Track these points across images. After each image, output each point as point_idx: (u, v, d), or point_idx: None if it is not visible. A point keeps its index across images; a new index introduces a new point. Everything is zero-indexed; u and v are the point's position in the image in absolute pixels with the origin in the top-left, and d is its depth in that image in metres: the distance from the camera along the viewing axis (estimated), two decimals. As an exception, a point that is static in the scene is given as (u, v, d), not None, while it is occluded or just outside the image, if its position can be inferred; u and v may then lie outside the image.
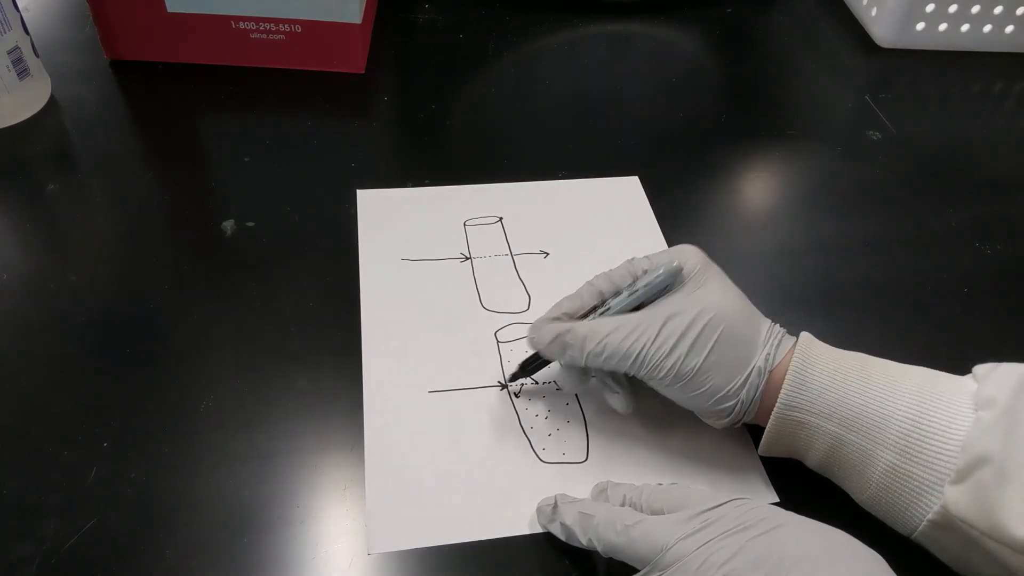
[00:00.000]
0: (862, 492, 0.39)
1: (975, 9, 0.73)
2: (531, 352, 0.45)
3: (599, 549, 0.37)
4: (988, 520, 0.34)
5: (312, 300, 0.50)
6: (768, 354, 0.40)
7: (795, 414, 0.39)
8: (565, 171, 0.61)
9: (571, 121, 0.67)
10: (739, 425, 0.42)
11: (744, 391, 0.40)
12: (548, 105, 0.68)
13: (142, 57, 0.67)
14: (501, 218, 0.57)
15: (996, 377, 0.37)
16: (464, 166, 0.61)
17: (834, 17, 0.81)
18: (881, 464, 0.37)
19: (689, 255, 0.42)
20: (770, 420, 0.40)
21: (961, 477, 0.35)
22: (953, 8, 0.73)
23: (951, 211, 0.61)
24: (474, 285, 0.53)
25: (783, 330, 0.42)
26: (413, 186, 0.59)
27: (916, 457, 0.36)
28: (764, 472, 0.44)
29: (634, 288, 0.42)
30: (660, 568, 0.34)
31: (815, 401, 0.39)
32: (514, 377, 0.47)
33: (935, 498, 0.36)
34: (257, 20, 0.64)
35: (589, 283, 0.44)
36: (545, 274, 0.54)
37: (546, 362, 0.45)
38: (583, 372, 0.43)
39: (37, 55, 0.61)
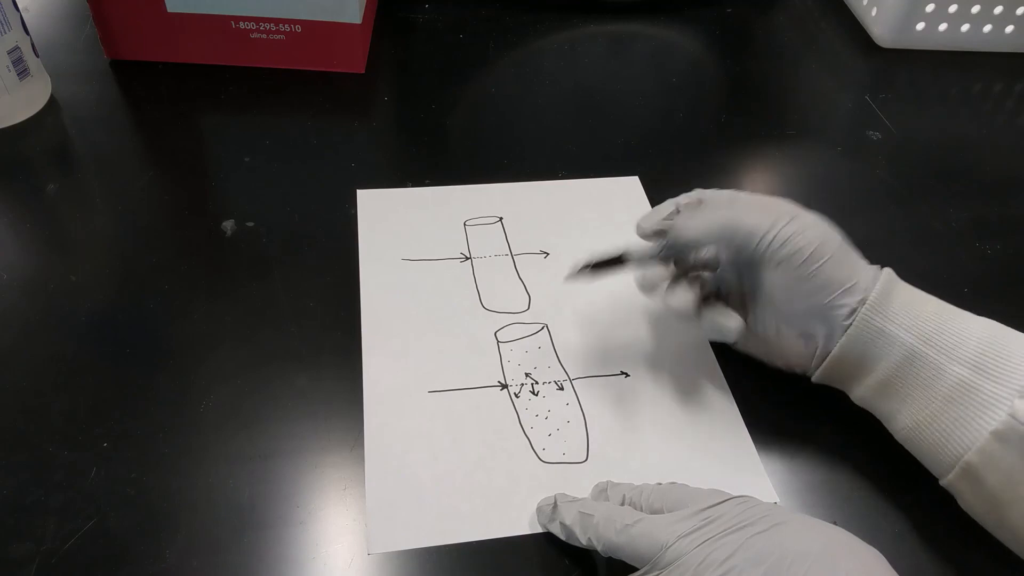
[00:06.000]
0: (920, 411, 0.39)
1: (975, 9, 0.74)
2: (611, 255, 0.46)
3: (599, 548, 0.37)
4: None
5: (312, 300, 0.50)
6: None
7: (878, 320, 0.40)
8: (565, 171, 0.61)
9: (571, 121, 0.67)
10: (826, 359, 0.42)
11: (869, 283, 0.41)
12: (548, 105, 0.68)
13: (142, 57, 0.67)
14: (501, 218, 0.57)
15: None
16: (464, 166, 0.61)
17: (834, 17, 0.81)
18: (950, 378, 0.38)
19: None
20: (852, 325, 0.40)
21: None
22: (953, 8, 0.74)
23: (951, 211, 0.61)
24: (474, 285, 0.53)
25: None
26: (413, 186, 0.59)
27: (989, 372, 0.37)
28: (764, 472, 0.44)
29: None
30: (660, 566, 0.34)
31: (898, 312, 0.40)
32: (580, 273, 0.46)
33: (1002, 410, 0.36)
34: (257, 20, 0.64)
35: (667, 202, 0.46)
36: (545, 274, 0.54)
37: (620, 265, 0.46)
38: (664, 268, 0.45)
39: (37, 55, 0.61)
